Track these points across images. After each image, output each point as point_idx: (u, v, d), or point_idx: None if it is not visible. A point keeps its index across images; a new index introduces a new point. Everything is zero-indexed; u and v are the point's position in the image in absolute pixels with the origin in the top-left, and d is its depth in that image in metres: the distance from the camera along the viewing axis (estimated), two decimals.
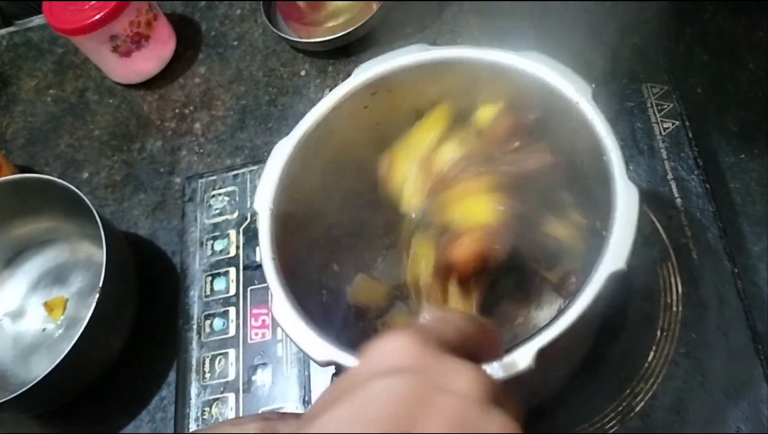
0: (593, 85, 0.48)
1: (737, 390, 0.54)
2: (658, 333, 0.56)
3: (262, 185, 0.51)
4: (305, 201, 0.55)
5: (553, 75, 0.49)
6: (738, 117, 0.66)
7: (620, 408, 0.55)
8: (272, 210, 0.50)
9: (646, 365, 0.56)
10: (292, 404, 0.62)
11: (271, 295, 0.47)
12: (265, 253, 0.48)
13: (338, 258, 0.60)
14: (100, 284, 0.63)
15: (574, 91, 0.48)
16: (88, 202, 0.66)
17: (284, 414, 0.47)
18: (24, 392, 0.61)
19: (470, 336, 0.32)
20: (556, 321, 0.42)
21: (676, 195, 0.61)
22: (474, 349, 0.32)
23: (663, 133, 0.64)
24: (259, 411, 0.62)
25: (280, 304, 0.47)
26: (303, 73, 0.83)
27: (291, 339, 0.46)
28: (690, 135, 0.63)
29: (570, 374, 0.56)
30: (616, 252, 0.42)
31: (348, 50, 0.81)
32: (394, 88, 0.55)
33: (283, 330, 0.46)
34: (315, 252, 0.57)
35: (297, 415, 0.47)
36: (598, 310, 0.42)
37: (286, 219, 0.51)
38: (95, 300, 0.62)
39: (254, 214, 0.56)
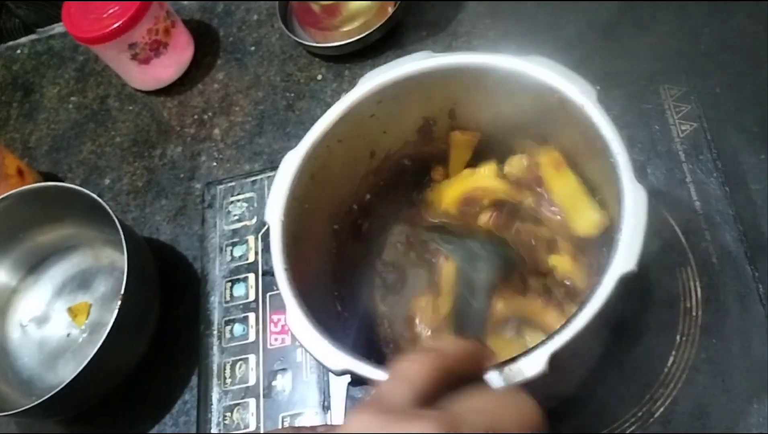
0: (598, 88, 0.48)
1: (759, 396, 0.53)
2: (678, 338, 0.56)
3: (272, 197, 0.51)
4: (316, 210, 0.55)
5: (557, 78, 0.49)
6: (758, 117, 0.65)
7: (640, 414, 0.55)
8: (283, 221, 0.50)
9: (666, 370, 0.55)
10: (311, 409, 0.62)
11: (285, 306, 0.48)
12: (277, 265, 0.49)
13: (350, 263, 0.60)
14: (122, 290, 0.64)
15: (579, 94, 0.48)
16: (109, 210, 0.67)
17: (298, 427, 0.47)
18: (49, 397, 0.62)
19: (464, 360, 0.36)
20: (567, 325, 0.42)
21: (695, 198, 0.61)
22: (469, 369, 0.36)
23: (681, 135, 0.63)
24: (279, 416, 0.63)
25: (294, 315, 0.47)
26: (320, 77, 0.83)
27: (306, 350, 0.46)
28: (709, 137, 0.63)
29: (584, 377, 0.55)
30: (626, 253, 0.42)
31: (364, 54, 0.82)
32: (400, 96, 0.55)
33: (297, 341, 0.47)
34: (327, 260, 0.58)
35: (311, 428, 0.48)
36: (610, 312, 0.42)
37: (297, 230, 0.52)
38: (117, 306, 0.63)
39: None
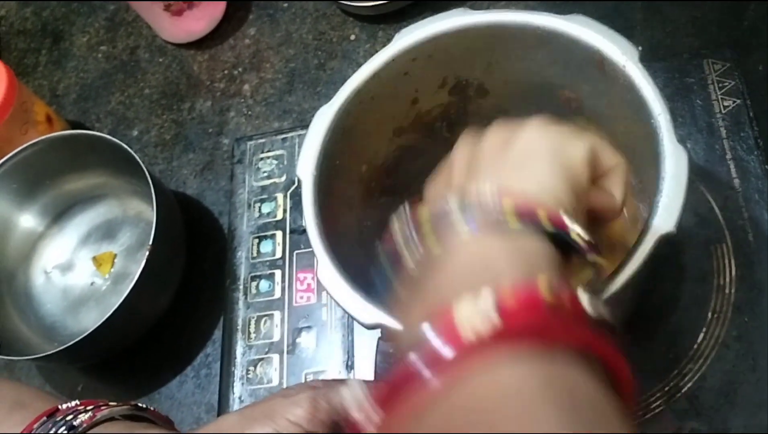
0: (640, 48, 0.47)
1: None
2: (710, 314, 0.56)
3: (305, 152, 0.51)
4: (347, 166, 0.55)
5: (598, 38, 0.48)
6: None
7: (667, 388, 0.54)
8: (315, 176, 0.50)
9: (696, 346, 0.55)
10: (335, 368, 0.62)
11: (316, 260, 0.47)
12: (309, 219, 0.49)
13: (379, 219, 0.60)
14: (150, 241, 0.64)
15: (621, 54, 0.47)
16: (139, 160, 0.67)
17: (328, 381, 0.47)
18: (74, 344, 0.62)
19: None
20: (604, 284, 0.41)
21: (734, 175, 0.60)
22: None
23: (723, 111, 0.62)
24: (302, 373, 0.63)
25: (326, 269, 0.47)
26: (353, 37, 0.82)
27: (337, 303, 0.46)
28: (751, 114, 0.61)
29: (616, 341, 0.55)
30: (666, 215, 0.42)
31: (399, 15, 0.80)
32: (435, 54, 0.54)
33: (329, 295, 0.47)
34: (357, 216, 0.57)
35: (342, 381, 0.48)
36: (646, 274, 0.42)
37: (328, 185, 0.52)
38: (145, 257, 0.63)
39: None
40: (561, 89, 0.55)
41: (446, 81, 0.57)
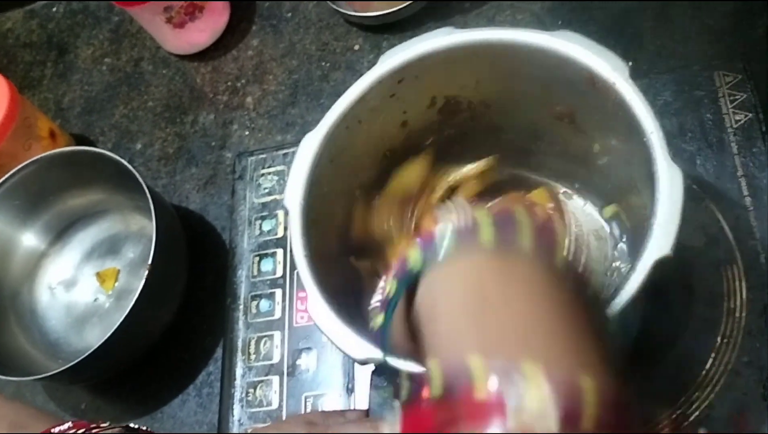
0: (630, 63, 0.46)
1: None
2: (719, 339, 0.54)
3: (292, 181, 0.50)
4: (336, 193, 0.53)
5: (586, 54, 0.46)
6: None
7: (674, 416, 0.53)
8: (302, 205, 0.49)
9: (704, 372, 0.53)
10: (335, 391, 0.61)
11: (307, 294, 0.46)
12: (297, 250, 0.48)
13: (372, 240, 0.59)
14: (150, 260, 0.63)
15: (610, 71, 0.45)
16: (138, 177, 0.67)
17: (326, 413, 0.46)
18: (77, 363, 0.62)
19: None
20: None
21: (746, 193, 0.58)
22: None
23: (734, 126, 0.60)
24: (302, 396, 0.62)
25: (316, 302, 0.46)
26: (356, 47, 0.81)
27: (329, 339, 0.45)
28: (764, 128, 0.59)
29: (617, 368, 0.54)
30: (662, 238, 0.40)
31: (403, 25, 0.79)
32: (421, 75, 0.53)
33: (319, 329, 0.46)
34: (347, 243, 0.56)
35: (340, 413, 0.47)
36: (645, 298, 0.41)
37: (317, 213, 0.50)
38: (145, 275, 0.63)
39: None
40: (553, 104, 0.53)
41: (435, 101, 0.56)
